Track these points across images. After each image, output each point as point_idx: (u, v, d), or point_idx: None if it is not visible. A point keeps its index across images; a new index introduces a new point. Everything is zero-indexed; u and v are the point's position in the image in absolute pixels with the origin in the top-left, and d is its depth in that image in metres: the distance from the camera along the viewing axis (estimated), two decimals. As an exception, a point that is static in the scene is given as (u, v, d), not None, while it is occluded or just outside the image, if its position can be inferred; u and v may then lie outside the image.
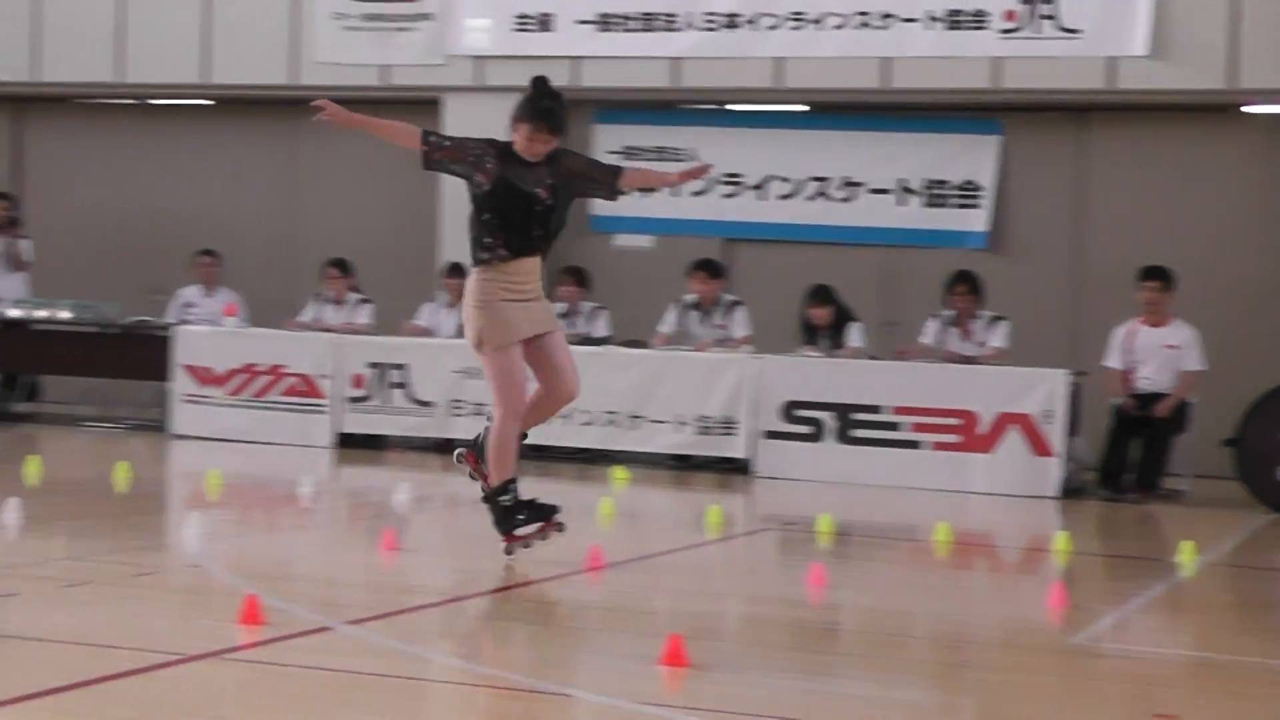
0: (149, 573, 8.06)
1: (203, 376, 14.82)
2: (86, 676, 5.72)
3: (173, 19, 17.41)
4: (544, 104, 8.46)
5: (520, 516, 8.60)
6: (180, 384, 14.89)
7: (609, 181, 8.65)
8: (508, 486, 8.55)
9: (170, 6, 17.42)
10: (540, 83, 8.49)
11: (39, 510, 9.65)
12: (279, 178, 18.12)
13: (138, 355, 15.38)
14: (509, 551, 8.63)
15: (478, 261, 8.42)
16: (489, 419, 8.69)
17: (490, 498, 8.62)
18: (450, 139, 8.68)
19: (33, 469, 11.62)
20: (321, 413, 14.60)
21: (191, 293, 16.22)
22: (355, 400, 14.58)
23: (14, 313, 15.67)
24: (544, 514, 8.69)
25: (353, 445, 14.52)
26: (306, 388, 14.60)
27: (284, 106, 17.81)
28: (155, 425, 15.40)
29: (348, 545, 10.05)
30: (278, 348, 14.79)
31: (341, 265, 15.59)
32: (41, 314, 15.61)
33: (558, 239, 8.68)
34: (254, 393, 14.70)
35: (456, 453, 8.90)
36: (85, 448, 14.54)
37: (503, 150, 8.51)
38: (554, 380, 8.64)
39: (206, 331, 15.12)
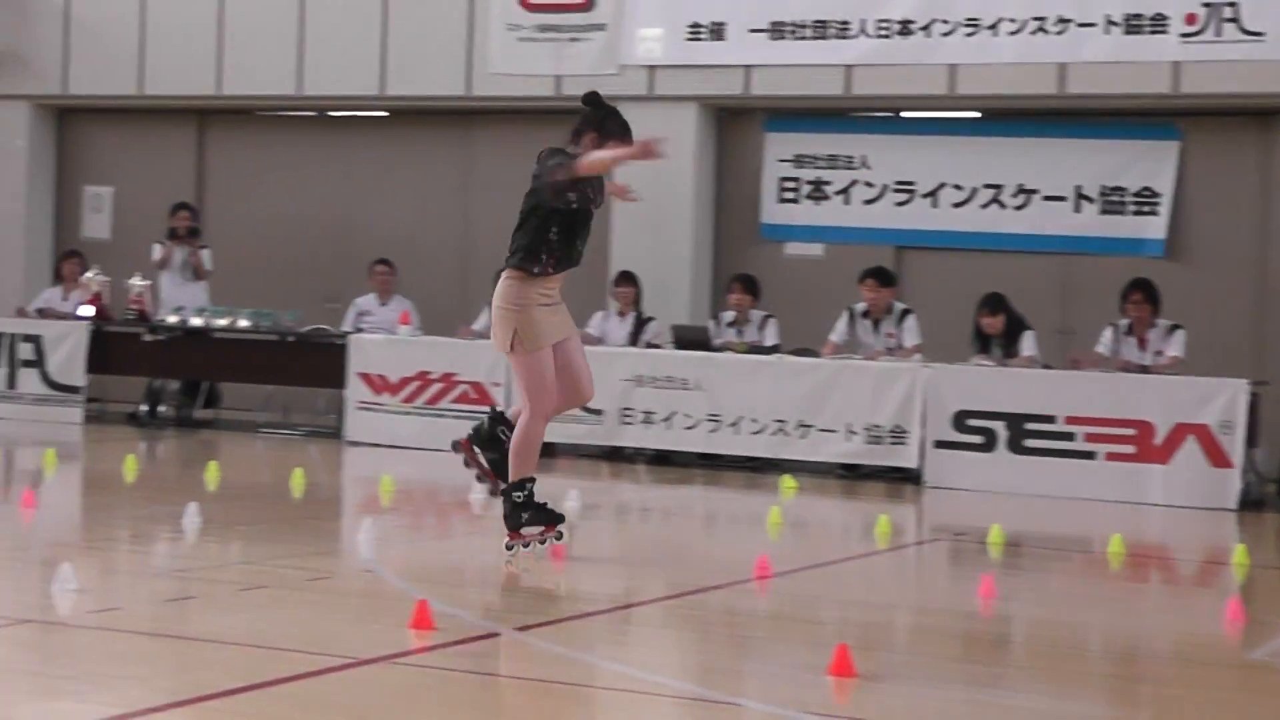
0: (323, 577, 8.18)
1: (377, 384, 15.02)
2: (261, 678, 5.82)
3: (351, 32, 17.67)
4: (621, 117, 8.79)
5: (526, 515, 8.75)
6: (355, 391, 15.10)
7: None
8: (524, 484, 8.71)
9: (349, 20, 17.69)
10: (598, 95, 8.90)
11: (217, 515, 9.84)
12: (453, 187, 18.31)
13: (314, 363, 15.63)
14: (509, 547, 8.75)
15: (519, 268, 8.61)
16: (491, 413, 8.99)
17: (506, 492, 8.78)
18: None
19: (212, 474, 11.86)
20: (493, 420, 14.71)
21: (367, 301, 16.45)
22: (526, 408, 14.67)
23: (195, 321, 16.00)
24: (550, 519, 8.81)
25: (524, 452, 14.60)
26: (479, 395, 14.74)
27: (458, 117, 18.01)
28: (330, 432, 15.64)
29: (518, 552, 10.12)
30: (451, 356, 14.94)
31: (513, 274, 15.70)
32: (221, 322, 15.92)
33: None
34: (427, 400, 14.87)
35: (453, 441, 9.09)
36: (263, 453, 14.80)
37: None
38: (571, 382, 8.82)
39: (381, 340, 15.32)
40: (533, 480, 8.75)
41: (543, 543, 8.81)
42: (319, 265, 18.55)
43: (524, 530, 8.75)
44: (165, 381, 16.68)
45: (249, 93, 18.23)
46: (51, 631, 6.65)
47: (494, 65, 17.15)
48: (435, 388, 14.85)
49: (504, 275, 8.73)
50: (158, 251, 16.94)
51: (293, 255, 18.66)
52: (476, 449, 8.99)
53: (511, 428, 8.86)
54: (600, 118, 8.83)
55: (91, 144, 19.47)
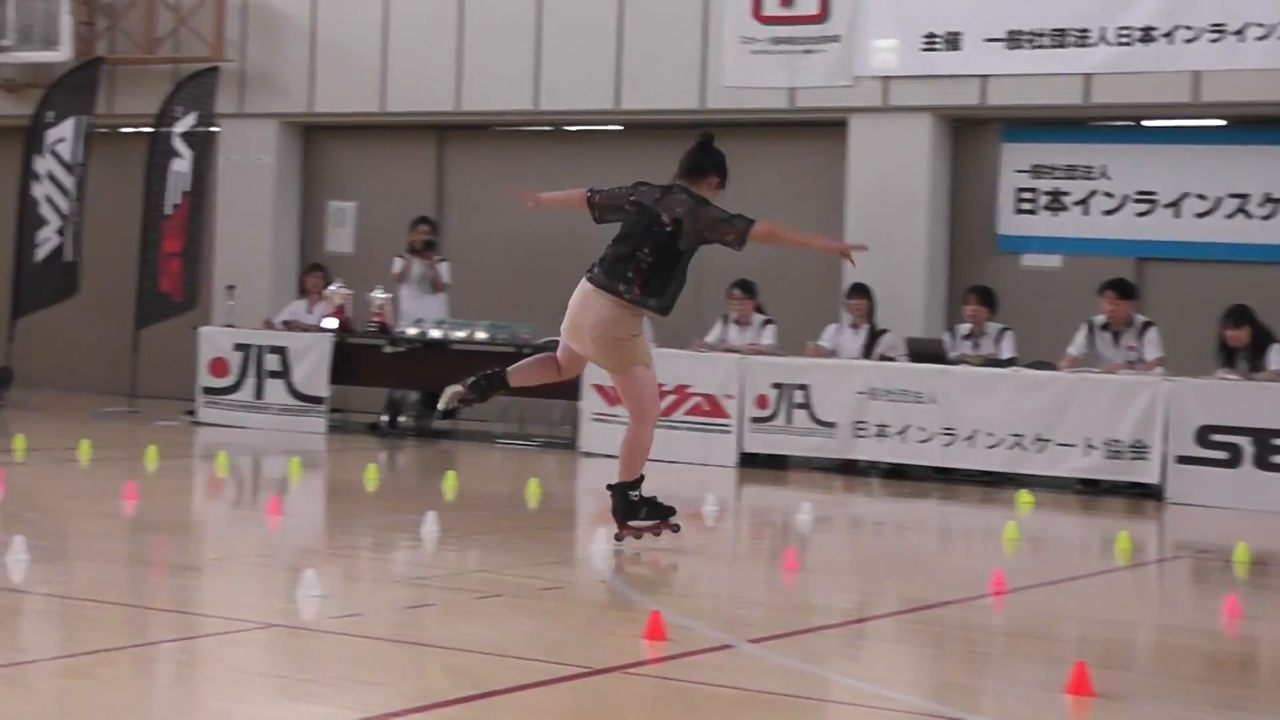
0: (558, 587, 8.26)
1: (611, 396, 15.12)
2: (496, 686, 5.89)
3: (587, 48, 17.85)
4: None
5: (643, 511, 9.40)
6: (590, 403, 15.23)
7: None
8: (637, 484, 9.40)
9: (584, 36, 17.87)
10: (713, 136, 9.77)
11: (455, 524, 10.01)
12: (686, 200, 18.38)
13: (550, 374, 15.78)
14: (619, 538, 9.35)
15: (643, 305, 9.33)
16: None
17: (618, 488, 9.41)
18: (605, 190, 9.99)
19: (450, 484, 12.06)
20: (726, 432, 14.74)
21: (601, 314, 16.56)
22: (759, 420, 14.68)
23: (434, 333, 16.28)
24: (662, 513, 9.45)
25: (755, 465, 14.62)
26: (711, 408, 14.77)
27: (692, 130, 18.04)
28: (566, 443, 15.80)
29: (750, 564, 10.13)
30: (684, 368, 14.99)
31: (746, 287, 15.72)
32: (459, 334, 16.18)
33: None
34: (659, 412, 14.91)
35: (451, 391, 9.78)
36: (500, 464, 15.01)
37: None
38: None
39: (615, 351, 15.41)
40: (642, 480, 9.44)
41: (656, 535, 9.43)
42: (554, 277, 18.67)
43: (634, 523, 9.39)
44: (405, 392, 17.00)
45: (487, 108, 18.52)
46: (296, 636, 6.81)
47: (727, 78, 17.18)
48: (668, 399, 14.91)
49: (620, 305, 9.27)
50: (398, 265, 17.28)
51: (529, 268, 18.88)
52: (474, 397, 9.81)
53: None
54: (722, 162, 9.59)
55: (335, 160, 19.95)
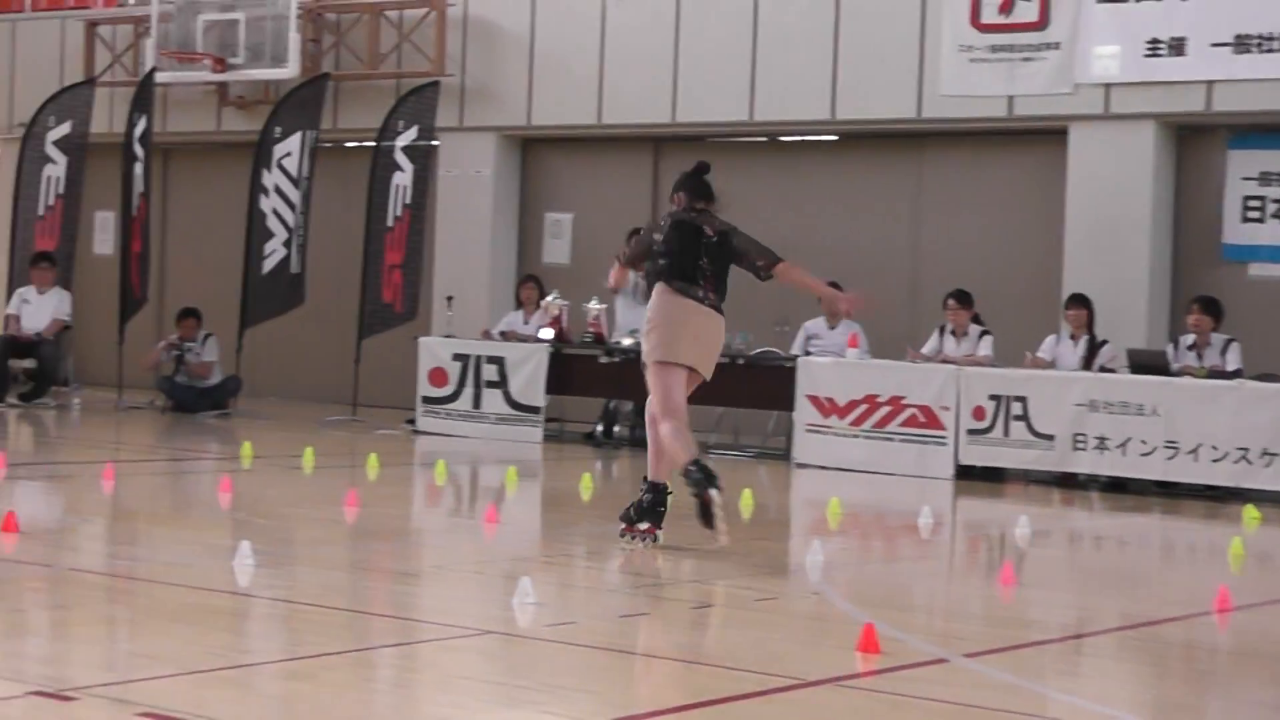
0: (771, 598, 8.26)
1: (825, 407, 15.08)
2: (709, 696, 5.91)
3: (802, 58, 17.82)
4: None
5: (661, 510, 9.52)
6: (803, 414, 15.19)
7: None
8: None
9: (800, 46, 17.84)
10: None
11: (669, 534, 10.04)
12: (902, 210, 18.26)
13: (764, 385, 15.79)
14: (638, 538, 9.52)
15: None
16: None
17: (658, 489, 9.58)
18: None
19: (664, 493, 12.10)
20: (942, 444, 14.60)
21: (816, 325, 16.52)
22: (975, 432, 14.51)
23: (627, 342, 16.38)
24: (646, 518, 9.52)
25: (972, 477, 14.46)
26: (927, 419, 14.64)
27: (908, 139, 17.96)
28: (779, 454, 15.77)
29: (966, 577, 10.03)
30: (899, 379, 14.88)
31: (962, 297, 15.56)
32: (674, 345, 16.21)
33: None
34: (874, 423, 14.85)
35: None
36: (714, 474, 15.00)
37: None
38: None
39: (829, 363, 15.38)
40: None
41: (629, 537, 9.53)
42: (769, 289, 18.68)
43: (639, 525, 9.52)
44: (620, 402, 17.10)
45: (702, 120, 18.58)
46: (512, 642, 6.89)
47: (945, 87, 17.03)
48: (883, 411, 14.81)
49: (718, 314, 9.95)
50: (612, 276, 17.36)
51: (742, 277, 18.85)
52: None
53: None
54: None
55: (552, 172, 20.16)
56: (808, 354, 15.84)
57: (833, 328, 16.21)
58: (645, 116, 18.81)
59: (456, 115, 19.63)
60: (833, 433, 15.04)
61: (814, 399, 15.11)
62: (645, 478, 9.68)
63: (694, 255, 9.85)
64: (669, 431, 9.47)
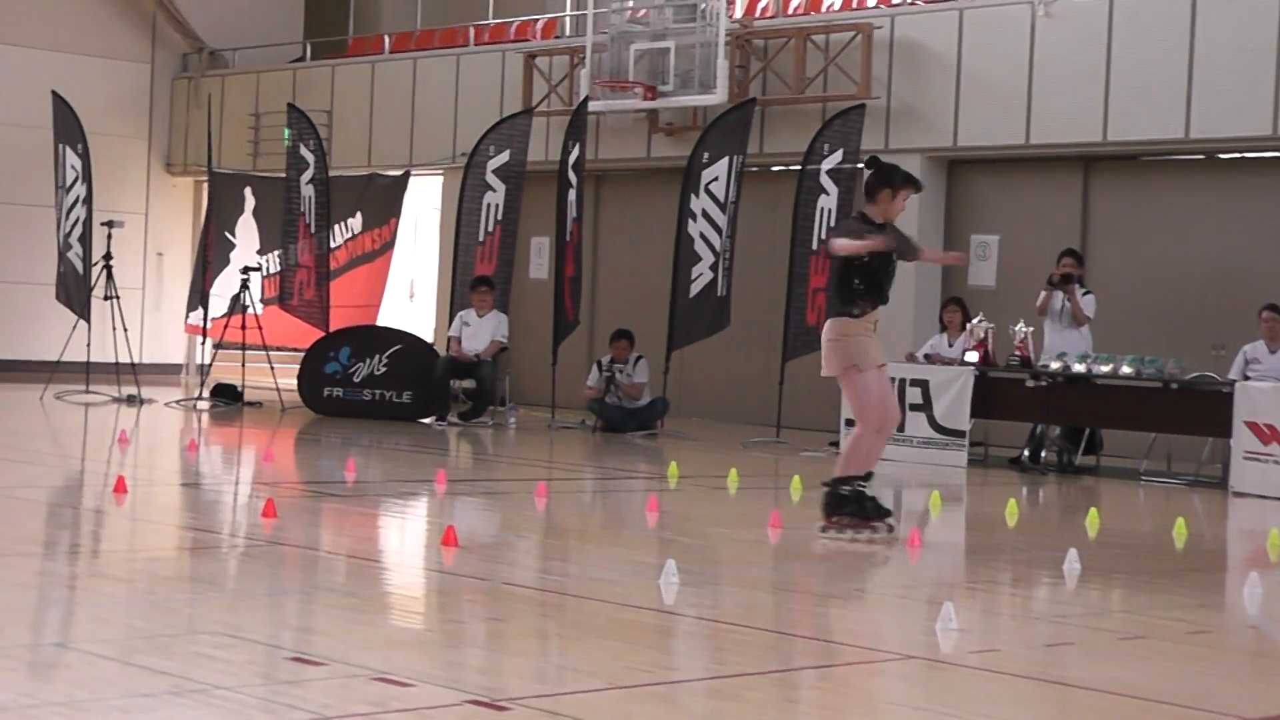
0: (1204, 631, 7.99)
1: (1265, 434, 14.49)
2: (1138, 730, 5.75)
3: (1242, 73, 17.21)
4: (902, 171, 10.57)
5: (849, 507, 10.27)
6: (1241, 440, 14.63)
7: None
8: (851, 480, 10.28)
9: (1239, 61, 17.24)
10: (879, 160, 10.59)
11: (1097, 562, 9.82)
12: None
13: (1199, 411, 15.29)
14: (823, 529, 10.30)
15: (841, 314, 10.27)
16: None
17: (831, 483, 10.34)
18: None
19: (1092, 521, 11.84)
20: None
21: (1256, 349, 15.91)
22: None
23: (1077, 367, 16.02)
24: (866, 513, 10.29)
25: None
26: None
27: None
28: (1214, 482, 15.24)
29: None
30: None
31: None
32: (1103, 369, 15.85)
33: None
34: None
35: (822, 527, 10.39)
36: (1144, 502, 14.61)
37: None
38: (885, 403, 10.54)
39: (1270, 388, 14.77)
40: (858, 479, 10.28)
41: (858, 533, 10.23)
42: (1204, 311, 18.16)
43: (835, 517, 10.26)
44: (1047, 427, 16.79)
45: (1135, 138, 18.13)
46: (934, 669, 6.85)
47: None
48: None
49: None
50: (1041, 298, 17.12)
51: (1177, 301, 18.36)
52: (835, 517, 10.34)
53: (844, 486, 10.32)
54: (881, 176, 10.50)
55: (979, 193, 19.96)
56: (1246, 379, 15.26)
57: (1274, 352, 15.58)
58: (1075, 136, 18.46)
59: (882, 138, 19.62)
60: (1273, 460, 14.44)
61: (1253, 425, 14.54)
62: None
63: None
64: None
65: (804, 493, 13.23)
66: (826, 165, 18.69)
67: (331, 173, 21.65)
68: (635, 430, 18.62)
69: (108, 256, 20.26)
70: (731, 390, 21.32)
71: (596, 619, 7.58)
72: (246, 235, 24.13)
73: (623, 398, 18.86)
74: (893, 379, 16.78)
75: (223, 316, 21.41)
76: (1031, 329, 16.66)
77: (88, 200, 20.64)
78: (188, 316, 24.51)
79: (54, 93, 21.59)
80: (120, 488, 11.37)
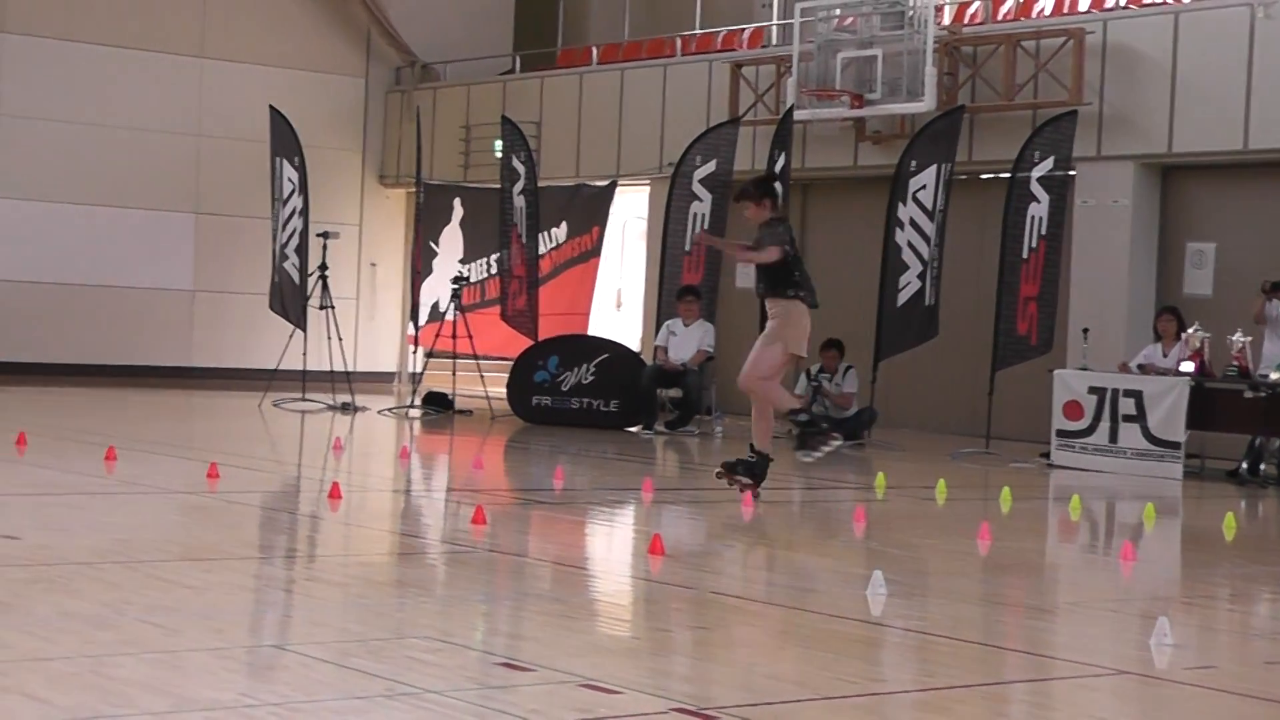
0: None
1: None
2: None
3: None
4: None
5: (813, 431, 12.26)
6: None
7: None
8: (796, 411, 12.54)
9: None
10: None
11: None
12: None
13: None
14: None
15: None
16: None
17: (795, 424, 12.47)
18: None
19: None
20: None
21: None
22: None
23: (1274, 376, 15.66)
24: (821, 430, 12.35)
25: None
26: None
27: None
28: None
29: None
30: None
31: None
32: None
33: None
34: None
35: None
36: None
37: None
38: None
39: None
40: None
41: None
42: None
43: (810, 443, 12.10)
44: (1267, 439, 16.39)
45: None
46: (1148, 685, 6.72)
47: None
48: None
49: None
50: (1257, 305, 16.73)
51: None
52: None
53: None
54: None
55: (1194, 201, 19.54)
56: None
57: None
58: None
59: (1094, 144, 19.30)
60: None
61: None
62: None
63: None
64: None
65: (1014, 504, 13.07)
66: (1037, 173, 18.42)
67: (540, 183, 21.88)
68: (843, 440, 18.50)
69: (323, 267, 20.69)
70: (940, 400, 21.12)
71: (803, 629, 7.56)
72: (451, 244, 24.50)
73: (830, 407, 18.79)
74: (1104, 389, 16.63)
75: (430, 323, 21.73)
76: (1250, 339, 16.28)
77: (304, 212, 21.08)
78: (408, 327, 24.92)
79: (272, 107, 22.08)
80: (335, 494, 11.60)
